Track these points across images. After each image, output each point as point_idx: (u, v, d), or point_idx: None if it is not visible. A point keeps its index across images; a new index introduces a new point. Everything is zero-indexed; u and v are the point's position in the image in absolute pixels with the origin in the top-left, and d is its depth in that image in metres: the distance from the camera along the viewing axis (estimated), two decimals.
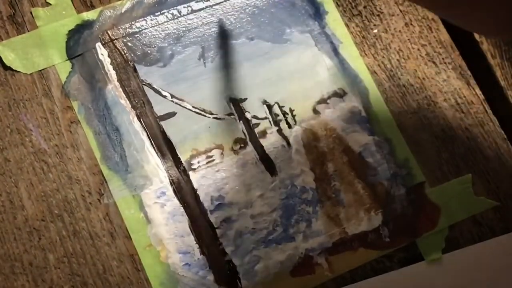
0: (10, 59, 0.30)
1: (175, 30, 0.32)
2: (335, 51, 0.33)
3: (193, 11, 0.32)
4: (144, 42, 0.31)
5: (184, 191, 0.30)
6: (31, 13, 0.31)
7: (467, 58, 0.34)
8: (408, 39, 0.34)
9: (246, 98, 0.32)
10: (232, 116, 0.31)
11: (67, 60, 0.30)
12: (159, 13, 0.32)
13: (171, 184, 0.30)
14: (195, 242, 0.29)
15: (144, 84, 0.31)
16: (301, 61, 0.32)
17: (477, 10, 0.22)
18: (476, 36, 0.34)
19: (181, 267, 0.29)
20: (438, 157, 0.32)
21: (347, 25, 0.33)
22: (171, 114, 0.31)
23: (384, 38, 0.34)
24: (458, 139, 0.33)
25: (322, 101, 0.32)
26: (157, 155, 0.30)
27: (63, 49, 0.30)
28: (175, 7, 0.32)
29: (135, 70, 0.31)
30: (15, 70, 0.30)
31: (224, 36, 0.32)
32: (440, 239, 0.31)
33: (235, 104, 0.31)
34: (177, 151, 0.30)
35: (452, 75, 0.34)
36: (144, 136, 0.30)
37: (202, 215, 0.30)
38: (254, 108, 0.32)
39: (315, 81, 0.32)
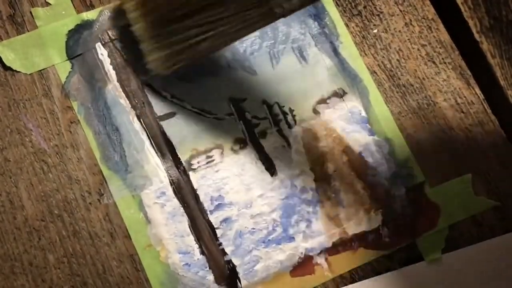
0: (10, 59, 0.30)
1: None
2: (335, 51, 0.33)
3: None
4: None
5: (184, 191, 0.30)
6: (30, 13, 0.31)
7: (467, 58, 0.34)
8: (408, 39, 0.34)
9: (246, 98, 0.32)
10: (232, 116, 0.31)
11: (67, 60, 0.30)
12: None
13: (171, 184, 0.30)
14: (195, 242, 0.29)
15: (144, 84, 0.31)
16: (301, 61, 0.32)
17: None
18: (476, 36, 0.34)
19: (181, 267, 0.29)
20: (438, 157, 0.32)
21: (347, 25, 0.33)
22: (171, 114, 0.31)
23: (384, 38, 0.34)
24: (458, 139, 0.33)
25: (322, 101, 0.32)
26: (157, 155, 0.30)
27: (63, 49, 0.30)
28: None
29: (135, 70, 0.31)
30: (15, 70, 0.30)
31: None
32: (440, 239, 0.31)
33: (235, 104, 0.31)
34: (177, 151, 0.30)
35: (452, 75, 0.34)
36: (144, 136, 0.30)
37: (202, 215, 0.30)
38: (254, 108, 0.32)
39: (315, 81, 0.32)
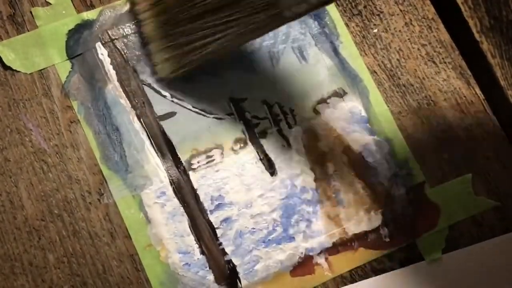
0: (10, 59, 0.30)
1: None
2: (335, 51, 0.33)
3: None
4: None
5: (184, 191, 0.30)
6: (31, 12, 0.31)
7: (467, 58, 0.34)
8: (408, 39, 0.34)
9: (246, 98, 0.32)
10: (232, 116, 0.31)
11: (67, 59, 0.30)
12: None
13: (171, 184, 0.30)
14: (195, 242, 0.29)
15: (144, 84, 0.31)
16: (301, 61, 0.32)
17: None
18: (476, 36, 0.34)
19: (181, 267, 0.29)
20: (438, 157, 0.32)
21: (347, 25, 0.33)
22: (171, 114, 0.31)
23: (384, 38, 0.34)
24: (458, 139, 0.33)
25: (322, 101, 0.32)
26: (157, 155, 0.30)
27: (63, 48, 0.30)
28: None
29: (135, 70, 0.31)
30: (15, 70, 0.30)
31: None
32: (440, 239, 0.31)
33: (235, 104, 0.31)
34: (177, 151, 0.30)
35: (452, 75, 0.34)
36: (144, 136, 0.30)
37: (202, 215, 0.30)
38: (254, 108, 0.32)
39: (315, 81, 0.32)
